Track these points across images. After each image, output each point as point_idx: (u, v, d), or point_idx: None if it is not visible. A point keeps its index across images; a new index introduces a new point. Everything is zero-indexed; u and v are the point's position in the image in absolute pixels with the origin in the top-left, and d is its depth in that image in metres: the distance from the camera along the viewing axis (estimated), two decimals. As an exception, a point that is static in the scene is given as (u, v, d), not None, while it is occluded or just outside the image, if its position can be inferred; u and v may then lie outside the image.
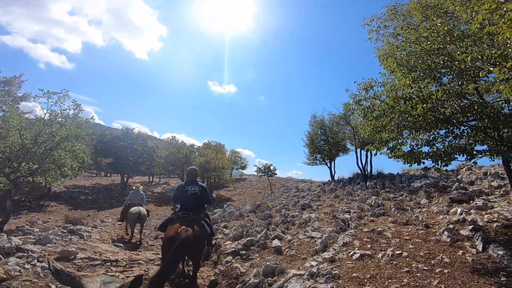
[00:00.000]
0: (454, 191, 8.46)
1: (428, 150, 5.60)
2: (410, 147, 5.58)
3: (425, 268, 4.60)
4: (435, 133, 5.56)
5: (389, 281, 4.20)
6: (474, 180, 9.82)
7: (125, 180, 26.46)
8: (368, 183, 12.69)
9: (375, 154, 5.94)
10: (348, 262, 4.95)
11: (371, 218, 7.70)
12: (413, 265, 4.72)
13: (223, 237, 6.75)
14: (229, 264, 4.94)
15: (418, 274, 4.42)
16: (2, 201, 9.08)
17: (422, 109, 4.66)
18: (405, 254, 5.16)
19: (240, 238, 6.34)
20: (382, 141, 5.78)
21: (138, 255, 6.17)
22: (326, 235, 6.02)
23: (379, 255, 5.15)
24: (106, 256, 5.32)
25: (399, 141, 5.79)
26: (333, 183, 14.12)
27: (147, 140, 28.05)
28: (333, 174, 17.91)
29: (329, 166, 18.07)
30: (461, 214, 6.99)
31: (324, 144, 17.55)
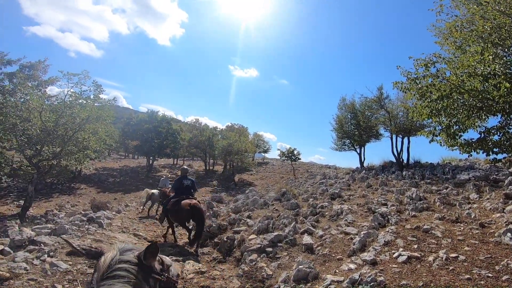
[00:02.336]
0: (510, 186, 7.30)
1: (500, 139, 4.59)
2: (480, 134, 4.59)
3: (490, 275, 3.88)
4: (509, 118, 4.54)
5: (448, 290, 3.46)
6: (529, 174, 8.46)
7: (150, 162, 27.04)
8: (404, 173, 11.56)
9: (431, 141, 5.00)
10: (393, 265, 4.25)
11: (413, 213, 6.83)
12: (474, 271, 3.99)
13: (247, 230, 6.25)
14: (253, 263, 4.42)
15: (482, 282, 3.73)
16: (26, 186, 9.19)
17: (505, 89, 3.68)
18: (462, 257, 4.40)
19: (265, 231, 5.80)
20: (442, 126, 4.83)
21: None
22: (364, 231, 5.29)
23: (430, 258, 4.42)
24: (121, 250, 5.02)
25: (463, 126, 4.82)
26: (364, 171, 13.11)
27: (171, 123, 28.23)
28: (362, 160, 16.78)
29: (358, 152, 16.93)
30: (520, 212, 6.00)
31: (354, 129, 16.35)
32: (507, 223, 5.59)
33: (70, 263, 4.39)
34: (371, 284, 3.50)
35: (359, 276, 3.60)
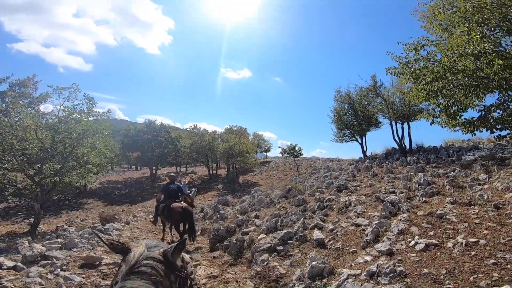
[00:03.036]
0: (519, 163, 7.14)
1: (501, 115, 4.49)
2: (480, 112, 4.50)
3: (515, 258, 3.71)
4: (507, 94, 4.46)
5: (475, 276, 3.33)
6: (534, 150, 8.30)
7: (154, 172, 26.97)
8: (408, 158, 11.43)
9: (432, 123, 4.89)
10: (412, 254, 4.13)
11: (424, 199, 6.70)
12: (497, 255, 3.85)
13: (256, 230, 6.14)
14: (265, 263, 4.31)
15: (509, 266, 3.60)
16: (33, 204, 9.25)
17: (499, 66, 3.59)
18: (482, 242, 4.27)
19: (274, 230, 5.68)
20: (441, 108, 4.75)
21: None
22: (376, 221, 5.17)
23: (449, 244, 4.29)
24: (133, 260, 4.91)
25: (462, 106, 4.73)
26: (367, 160, 12.98)
27: (170, 131, 28.17)
28: (365, 150, 16.65)
29: (360, 142, 16.81)
30: (533, 190, 5.88)
31: (353, 119, 16.24)
32: (521, 202, 5.47)
33: (84, 276, 4.32)
34: (391, 275, 3.38)
35: (377, 268, 3.48)
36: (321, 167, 22.35)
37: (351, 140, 17.26)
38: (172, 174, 8.53)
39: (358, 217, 5.87)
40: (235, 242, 5.30)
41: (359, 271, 3.60)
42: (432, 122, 4.85)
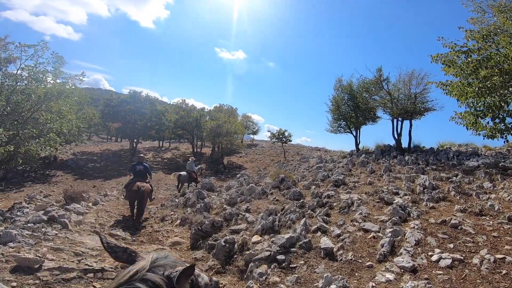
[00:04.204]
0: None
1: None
2: None
3: (551, 278, 3.22)
4: None
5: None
6: (535, 162, 7.98)
7: (134, 145, 25.44)
8: (407, 158, 10.95)
9: (473, 124, 4.15)
10: (438, 271, 3.52)
11: (431, 204, 6.15)
12: (531, 275, 3.29)
13: (248, 228, 5.27)
14: (264, 278, 3.51)
15: None
16: None
17: None
18: (509, 258, 3.77)
19: (270, 230, 4.88)
20: (486, 108, 3.99)
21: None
22: (389, 229, 4.51)
23: (475, 260, 3.76)
24: (87, 264, 3.82)
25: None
26: (363, 155, 12.41)
27: (155, 104, 26.41)
28: (358, 143, 16.14)
29: (354, 134, 16.24)
30: (545, 204, 5.48)
31: (352, 111, 15.54)
32: (537, 217, 5.02)
33: (14, 284, 3.27)
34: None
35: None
36: (309, 156, 21.83)
37: (345, 132, 16.67)
38: (141, 155, 8.91)
39: (365, 221, 5.20)
40: (223, 244, 4.43)
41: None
42: (474, 123, 4.10)
